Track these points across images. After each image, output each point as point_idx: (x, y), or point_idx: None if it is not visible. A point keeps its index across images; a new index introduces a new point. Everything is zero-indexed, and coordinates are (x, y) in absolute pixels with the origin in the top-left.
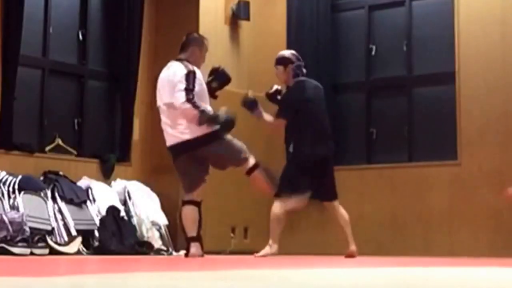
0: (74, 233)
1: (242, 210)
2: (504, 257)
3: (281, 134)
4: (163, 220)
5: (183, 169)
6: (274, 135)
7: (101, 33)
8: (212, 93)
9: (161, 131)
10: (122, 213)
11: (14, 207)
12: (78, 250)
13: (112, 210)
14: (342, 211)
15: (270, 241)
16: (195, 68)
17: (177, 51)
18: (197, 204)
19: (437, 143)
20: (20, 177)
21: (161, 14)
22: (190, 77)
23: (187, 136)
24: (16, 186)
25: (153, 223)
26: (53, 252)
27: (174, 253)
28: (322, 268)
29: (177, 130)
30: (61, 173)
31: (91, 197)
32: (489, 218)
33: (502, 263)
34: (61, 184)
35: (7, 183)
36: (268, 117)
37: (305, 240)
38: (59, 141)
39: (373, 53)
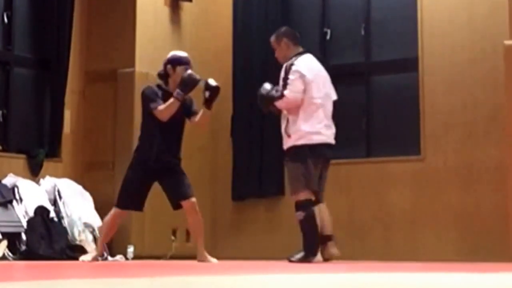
0: None
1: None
2: (472, 262)
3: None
4: (97, 222)
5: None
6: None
7: (29, 16)
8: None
9: (94, 123)
10: (52, 214)
11: None
12: (4, 254)
13: (41, 210)
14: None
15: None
16: None
17: (112, 36)
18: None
19: (398, 136)
20: None
21: None
22: None
23: None
24: None
25: (86, 225)
26: None
27: (109, 257)
28: (263, 274)
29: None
30: None
31: (17, 197)
32: (455, 219)
33: (469, 268)
34: None
35: None
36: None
37: (252, 244)
38: None
39: (328, 37)
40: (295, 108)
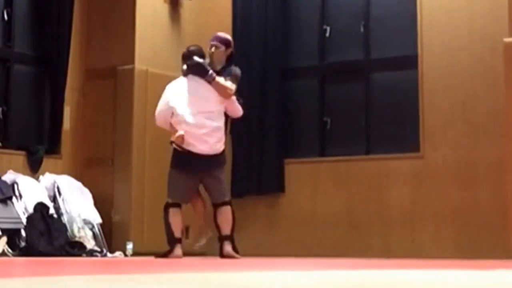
0: None
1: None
2: (471, 259)
3: None
4: (96, 218)
5: None
6: None
7: (29, 13)
8: None
9: (94, 120)
10: (52, 211)
11: None
12: (3, 251)
13: (40, 207)
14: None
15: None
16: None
17: (112, 33)
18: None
19: (398, 134)
20: None
21: None
22: None
23: None
24: None
25: (86, 222)
26: None
27: (108, 254)
28: (262, 271)
29: None
30: None
31: (17, 193)
32: (454, 216)
33: (468, 265)
34: None
35: None
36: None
37: (251, 241)
38: None
39: (327, 34)
40: None
